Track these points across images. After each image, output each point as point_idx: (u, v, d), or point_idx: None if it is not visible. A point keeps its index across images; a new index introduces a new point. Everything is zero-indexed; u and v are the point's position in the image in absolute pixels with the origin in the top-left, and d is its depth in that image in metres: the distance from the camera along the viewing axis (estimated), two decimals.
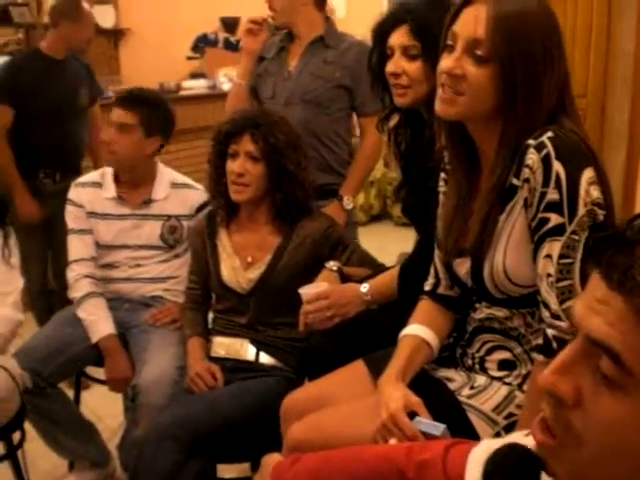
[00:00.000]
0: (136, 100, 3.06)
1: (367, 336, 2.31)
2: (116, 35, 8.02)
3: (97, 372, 3.30)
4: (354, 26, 7.37)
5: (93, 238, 3.10)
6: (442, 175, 1.95)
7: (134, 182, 3.12)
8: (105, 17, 7.95)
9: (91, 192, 3.13)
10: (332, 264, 2.58)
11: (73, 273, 3.08)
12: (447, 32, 1.71)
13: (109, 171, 3.15)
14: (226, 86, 6.79)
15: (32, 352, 2.85)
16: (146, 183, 3.10)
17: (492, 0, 1.63)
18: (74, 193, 3.14)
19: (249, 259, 2.72)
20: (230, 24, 7.95)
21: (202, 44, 7.84)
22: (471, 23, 1.64)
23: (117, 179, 3.13)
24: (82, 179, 3.19)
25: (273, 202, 2.69)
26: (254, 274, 2.70)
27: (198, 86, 6.91)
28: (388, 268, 2.52)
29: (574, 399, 0.82)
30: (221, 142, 2.69)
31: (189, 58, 7.95)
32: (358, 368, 2.11)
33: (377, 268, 2.63)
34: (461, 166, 1.83)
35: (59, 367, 2.87)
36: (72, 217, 3.13)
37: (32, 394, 2.78)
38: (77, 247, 3.11)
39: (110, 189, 3.11)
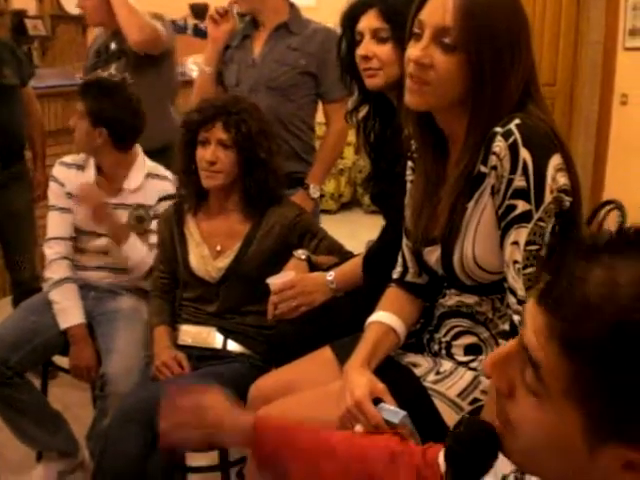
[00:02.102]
0: (87, 89, 3.02)
1: (333, 324, 2.32)
2: (84, 21, 7.95)
3: (64, 361, 3.28)
4: (324, 15, 7.39)
5: (72, 219, 3.09)
6: (409, 164, 1.95)
7: (105, 171, 3.09)
8: (73, 3, 7.87)
9: (73, 173, 3.11)
10: (300, 252, 2.58)
11: (51, 251, 3.05)
12: (413, 20, 1.71)
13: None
14: (195, 73, 6.74)
15: None
16: (120, 173, 3.07)
17: None
18: (57, 171, 3.13)
19: (218, 247, 2.71)
20: (199, 10, 7.89)
21: None
22: (438, 11, 1.64)
23: (98, 166, 3.11)
24: (67, 159, 3.16)
25: (244, 189, 2.67)
26: (223, 262, 2.69)
27: None
28: (357, 256, 2.52)
29: (507, 392, 0.86)
30: (191, 130, 2.66)
31: None
32: (325, 354, 2.11)
33: (345, 256, 2.62)
34: (429, 154, 1.83)
35: (26, 356, 2.84)
36: (53, 194, 3.12)
37: None
38: (57, 224, 3.09)
39: (90, 174, 3.09)
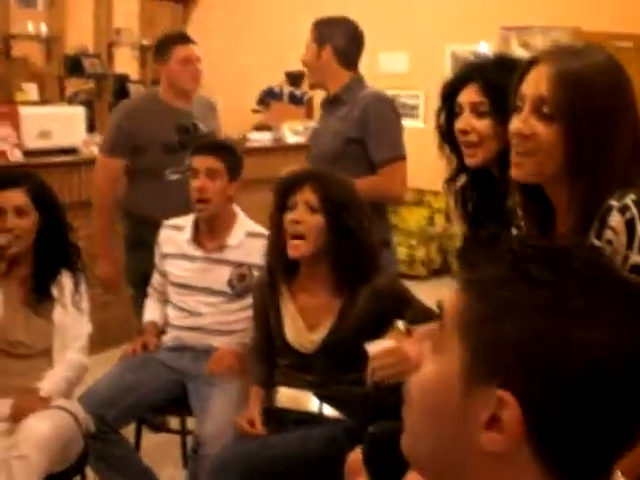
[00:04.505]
0: (221, 147, 3.22)
1: None
2: None
3: (158, 419, 3.32)
4: (415, 82, 7.50)
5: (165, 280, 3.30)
6: (514, 231, 1.93)
7: (212, 227, 3.20)
8: None
9: (171, 234, 3.27)
10: (400, 324, 2.55)
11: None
12: (515, 94, 1.72)
13: (192, 216, 3.25)
14: (291, 139, 6.86)
15: (96, 397, 2.90)
16: (223, 229, 3.19)
17: (556, 58, 1.65)
18: (160, 233, 3.30)
19: (312, 321, 2.70)
20: (294, 78, 8.08)
21: (268, 98, 7.98)
22: (536, 82, 1.64)
23: (196, 224, 3.23)
24: (169, 221, 3.32)
25: (333, 262, 2.66)
26: (318, 336, 2.68)
27: (263, 138, 6.95)
28: None
29: (417, 365, 0.94)
30: (281, 194, 2.69)
31: (254, 111, 8.08)
32: None
33: None
34: (535, 224, 1.81)
35: (122, 412, 2.91)
36: (157, 256, 3.33)
37: (95, 439, 2.81)
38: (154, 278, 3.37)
39: (189, 232, 3.21)
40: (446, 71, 7.08)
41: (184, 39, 3.97)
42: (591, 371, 0.81)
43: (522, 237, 0.89)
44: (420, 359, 0.94)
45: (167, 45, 3.90)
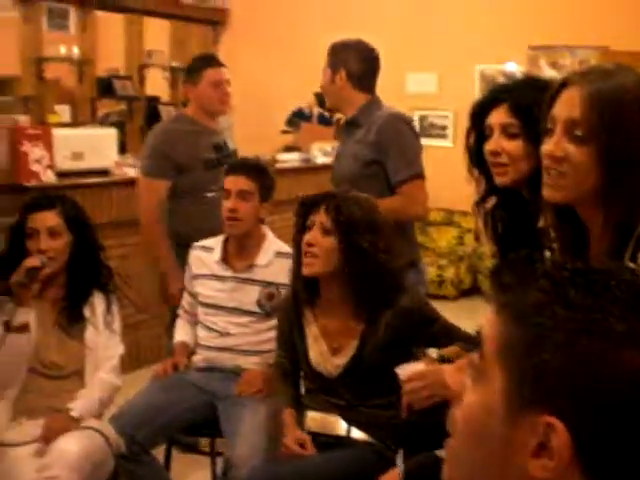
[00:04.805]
0: (254, 168, 3.23)
1: None
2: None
3: (188, 440, 3.32)
4: (445, 102, 7.50)
5: (195, 300, 3.31)
6: (547, 254, 1.92)
7: (241, 247, 3.22)
8: None
9: (201, 255, 3.29)
10: (432, 351, 2.53)
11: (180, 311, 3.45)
12: (546, 116, 1.72)
13: (222, 237, 3.27)
14: (320, 160, 6.87)
15: (127, 417, 2.91)
16: (252, 249, 3.21)
17: (587, 80, 1.64)
18: (190, 254, 3.33)
19: (335, 344, 2.69)
20: (323, 99, 8.12)
21: (297, 119, 8.00)
22: (567, 105, 1.64)
23: (225, 244, 3.25)
24: (200, 242, 3.34)
25: (349, 284, 2.64)
26: (341, 360, 2.67)
27: (292, 159, 6.98)
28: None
29: (459, 396, 0.94)
30: (301, 215, 2.71)
31: (283, 132, 8.12)
32: None
33: (468, 339, 2.55)
34: (568, 245, 1.80)
35: (152, 433, 2.92)
36: (185, 277, 3.36)
37: (125, 459, 2.82)
38: (184, 300, 3.39)
39: (218, 252, 3.23)
40: (475, 91, 7.10)
41: (215, 62, 4.04)
42: (635, 392, 0.81)
43: (557, 260, 0.86)
44: (461, 390, 0.94)
45: (199, 68, 3.96)
